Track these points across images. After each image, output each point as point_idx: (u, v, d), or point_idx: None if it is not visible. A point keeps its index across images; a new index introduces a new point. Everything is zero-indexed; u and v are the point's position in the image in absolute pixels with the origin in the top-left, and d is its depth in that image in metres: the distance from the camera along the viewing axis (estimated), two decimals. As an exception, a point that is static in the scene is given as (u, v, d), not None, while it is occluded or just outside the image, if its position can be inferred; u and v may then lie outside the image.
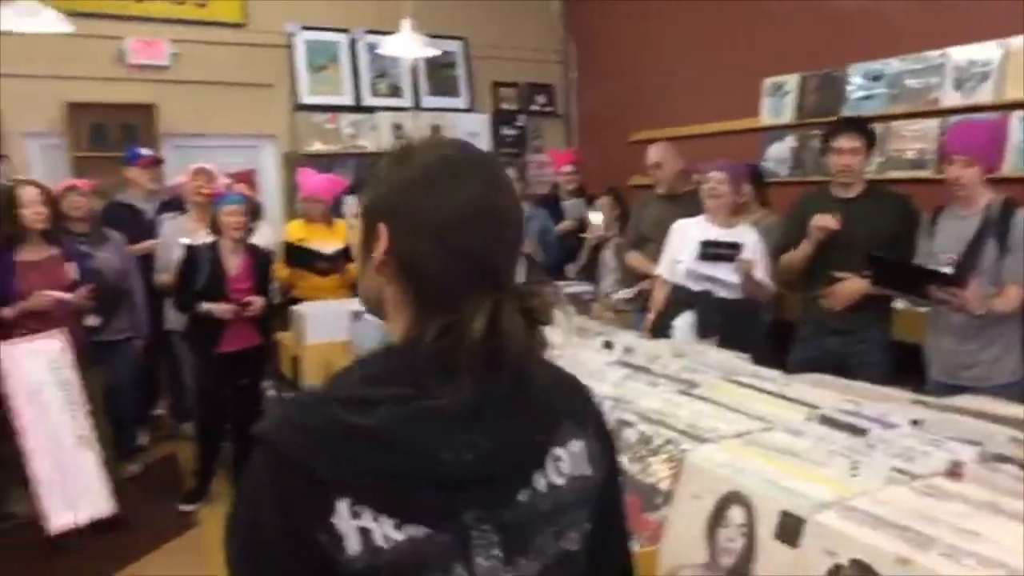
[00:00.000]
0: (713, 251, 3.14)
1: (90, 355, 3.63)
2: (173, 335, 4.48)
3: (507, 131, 7.08)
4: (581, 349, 2.41)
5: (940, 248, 2.85)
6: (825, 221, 3.07)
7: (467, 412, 0.79)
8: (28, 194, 3.42)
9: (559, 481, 0.87)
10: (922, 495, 1.27)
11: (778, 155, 5.10)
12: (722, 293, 3.16)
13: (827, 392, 1.83)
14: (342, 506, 0.76)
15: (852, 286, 3.05)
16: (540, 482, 0.85)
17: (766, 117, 5.19)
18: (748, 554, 1.33)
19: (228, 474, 4.32)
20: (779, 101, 5.09)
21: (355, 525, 0.76)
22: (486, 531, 0.81)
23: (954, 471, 1.33)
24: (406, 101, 6.71)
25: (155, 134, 5.70)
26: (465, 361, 0.79)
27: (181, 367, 4.66)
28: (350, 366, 0.85)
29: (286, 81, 6.27)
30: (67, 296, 3.43)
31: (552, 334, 0.88)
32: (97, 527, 3.77)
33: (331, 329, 3.29)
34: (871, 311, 3.12)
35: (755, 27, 5.23)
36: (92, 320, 3.70)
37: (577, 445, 0.90)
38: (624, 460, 1.76)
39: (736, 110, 5.33)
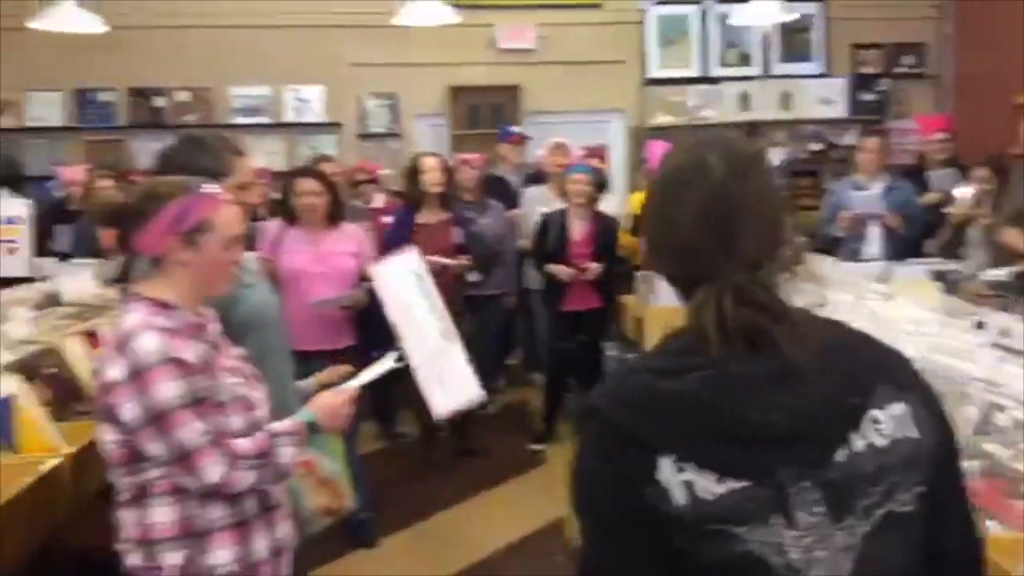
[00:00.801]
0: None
1: (460, 307, 4.21)
2: (532, 293, 4.97)
3: (865, 96, 6.57)
4: (946, 328, 2.26)
5: None
6: None
7: (772, 377, 0.86)
8: (429, 162, 4.05)
9: (880, 443, 0.89)
10: None
11: None
12: None
13: None
14: (665, 463, 0.85)
15: None
16: (858, 443, 0.88)
17: None
18: None
19: (571, 422, 4.72)
20: None
21: (679, 479, 0.85)
22: (805, 488, 0.86)
23: None
24: (755, 69, 6.57)
25: (520, 112, 6.30)
26: (762, 331, 0.87)
27: (536, 322, 5.15)
28: (661, 340, 0.96)
29: (636, 57, 6.51)
30: (450, 262, 3.98)
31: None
32: (462, 452, 4.42)
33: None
34: None
35: None
36: (473, 277, 4.27)
37: (898, 408, 0.91)
38: (991, 443, 1.66)
39: None
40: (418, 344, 2.11)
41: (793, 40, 6.56)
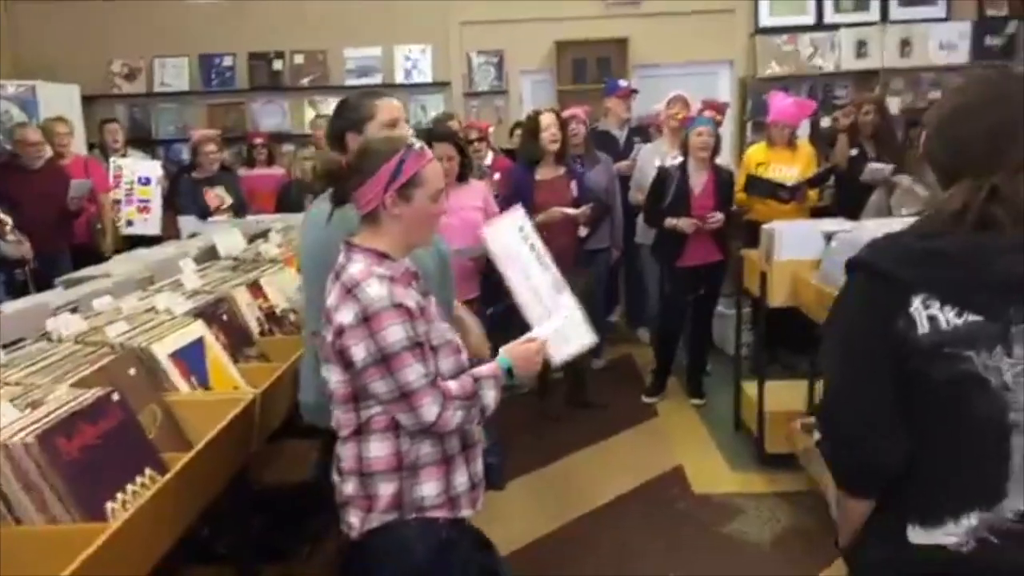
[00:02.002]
0: None
1: (581, 259, 4.29)
2: (641, 248, 5.00)
3: (992, 40, 6.24)
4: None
5: None
6: None
7: (1014, 246, 1.14)
8: (547, 119, 4.12)
9: None
10: None
11: None
12: None
13: None
14: (916, 300, 1.17)
15: None
16: None
17: None
18: None
19: (680, 377, 4.78)
20: None
21: (926, 314, 1.17)
22: (1022, 329, 1.14)
23: None
24: (872, 15, 6.31)
25: (627, 65, 6.26)
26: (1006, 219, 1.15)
27: (643, 277, 5.19)
28: (919, 219, 1.26)
29: (748, 5, 6.34)
30: (574, 211, 4.07)
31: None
32: (578, 404, 4.54)
33: (802, 247, 3.40)
34: None
35: None
36: (583, 231, 4.33)
37: None
38: None
39: None
40: (532, 298, 2.19)
41: (914, -18, 6.27)
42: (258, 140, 5.95)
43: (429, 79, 6.53)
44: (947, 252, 1.18)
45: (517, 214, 2.37)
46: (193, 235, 4.15)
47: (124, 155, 5.59)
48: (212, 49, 6.45)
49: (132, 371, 2.01)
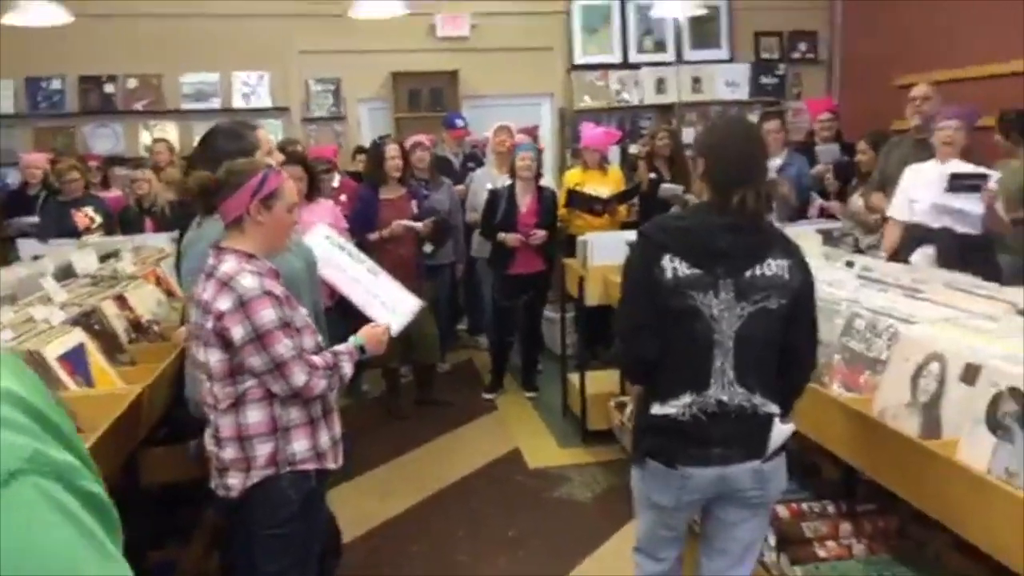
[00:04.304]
0: (962, 182, 3.40)
1: (422, 272, 4.71)
2: (477, 261, 5.51)
3: (767, 80, 7.34)
4: (823, 270, 2.91)
5: None
6: None
7: (730, 227, 1.83)
8: (391, 150, 4.55)
9: (768, 273, 1.86)
10: (1079, 353, 1.71)
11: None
12: (962, 228, 3.42)
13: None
14: (666, 256, 1.83)
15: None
16: (759, 269, 1.85)
17: (1048, 56, 5.06)
18: (939, 393, 1.85)
19: (516, 375, 5.31)
20: (1061, 39, 4.94)
21: (671, 266, 1.83)
22: (728, 283, 1.83)
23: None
24: (669, 56, 7.23)
25: (458, 96, 6.79)
26: (736, 211, 1.83)
27: (480, 288, 5.70)
28: (686, 209, 2.04)
29: (563, 44, 7.08)
30: (417, 225, 4.51)
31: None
32: (422, 404, 4.95)
33: (611, 254, 4.01)
34: None
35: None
36: (427, 247, 4.77)
37: (783, 262, 1.88)
38: (852, 341, 2.30)
39: (1014, 50, 5.23)
40: (356, 288, 2.57)
41: (702, 29, 7.24)
42: (92, 163, 5.92)
43: (268, 104, 6.74)
44: (688, 228, 1.90)
45: (319, 227, 2.74)
46: (36, 257, 4.18)
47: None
48: (39, 72, 6.32)
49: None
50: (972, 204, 3.42)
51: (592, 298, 4.18)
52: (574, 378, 4.53)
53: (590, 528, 3.40)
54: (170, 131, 6.47)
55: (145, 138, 6.45)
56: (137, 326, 3.13)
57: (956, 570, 2.38)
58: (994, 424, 1.67)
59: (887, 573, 2.40)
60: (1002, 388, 1.67)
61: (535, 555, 3.22)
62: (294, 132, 6.62)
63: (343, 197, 5.18)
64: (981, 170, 3.46)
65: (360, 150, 5.94)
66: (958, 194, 3.42)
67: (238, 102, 6.65)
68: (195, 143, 2.95)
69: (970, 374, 1.78)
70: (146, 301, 3.30)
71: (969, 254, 3.39)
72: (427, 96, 6.89)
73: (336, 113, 6.89)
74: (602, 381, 4.37)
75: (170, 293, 3.55)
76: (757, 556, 2.14)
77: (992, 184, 3.36)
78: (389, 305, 2.50)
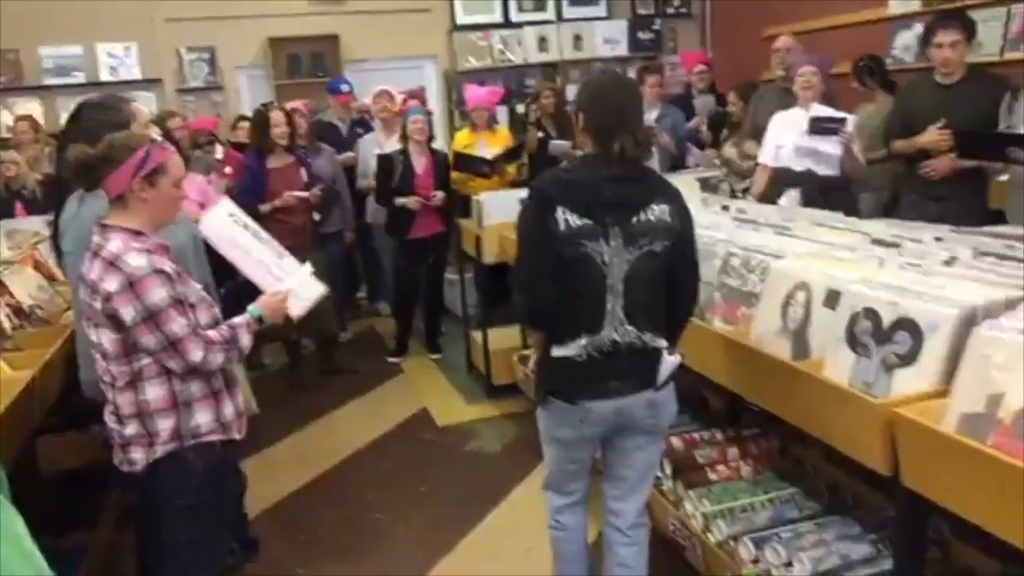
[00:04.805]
0: (821, 125, 3.65)
1: (314, 241, 4.66)
2: (373, 228, 5.49)
3: (644, 36, 7.53)
4: (701, 214, 3.09)
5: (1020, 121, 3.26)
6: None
7: (613, 177, 1.95)
8: (276, 116, 4.44)
9: (652, 218, 2.00)
10: (921, 274, 1.93)
11: (905, 44, 5.36)
12: (823, 171, 3.69)
13: (886, 226, 2.45)
14: (559, 209, 1.95)
15: (945, 162, 3.51)
16: (643, 216, 1.99)
17: (894, 6, 5.43)
18: (806, 318, 2.04)
19: (420, 339, 5.36)
20: (907, -10, 5.31)
21: (563, 217, 1.94)
22: (616, 231, 1.96)
23: (949, 262, 1.97)
24: (549, 15, 7.31)
25: (339, 61, 6.66)
26: (616, 160, 1.94)
27: (378, 255, 5.68)
28: (574, 162, 2.06)
29: (444, 5, 7.03)
30: (307, 194, 4.45)
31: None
32: (326, 373, 4.94)
33: (504, 212, 4.10)
34: (968, 179, 3.57)
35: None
36: (315, 216, 4.71)
37: (665, 207, 2.02)
38: (729, 278, 2.48)
39: (866, 1, 5.58)
40: (260, 269, 2.55)
41: (580, -15, 7.35)
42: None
43: (138, 76, 6.43)
44: (576, 181, 2.01)
45: (223, 203, 2.69)
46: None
47: None
48: None
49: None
50: (831, 146, 3.68)
51: (489, 256, 4.27)
52: (477, 336, 4.62)
53: (500, 478, 3.53)
54: (33, 108, 6.08)
55: (6, 118, 6.04)
56: (19, 312, 3.01)
57: (828, 479, 2.64)
58: (853, 342, 1.87)
59: (770, 489, 2.63)
60: (858, 309, 1.86)
61: (448, 507, 3.33)
62: (170, 103, 6.34)
63: (228, 169, 5.05)
64: (839, 114, 3.73)
65: (242, 119, 5.76)
66: (818, 137, 3.67)
67: (105, 75, 6.31)
68: (61, 120, 2.83)
69: (831, 299, 1.97)
70: (26, 286, 3.16)
71: (830, 193, 3.66)
72: (308, 61, 6.73)
73: (213, 83, 6.64)
74: (504, 337, 4.48)
75: (51, 278, 3.41)
76: (652, 483, 2.32)
77: (849, 127, 3.62)
78: (296, 290, 2.48)
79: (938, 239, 2.22)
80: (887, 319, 1.79)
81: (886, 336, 1.78)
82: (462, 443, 3.93)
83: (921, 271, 1.95)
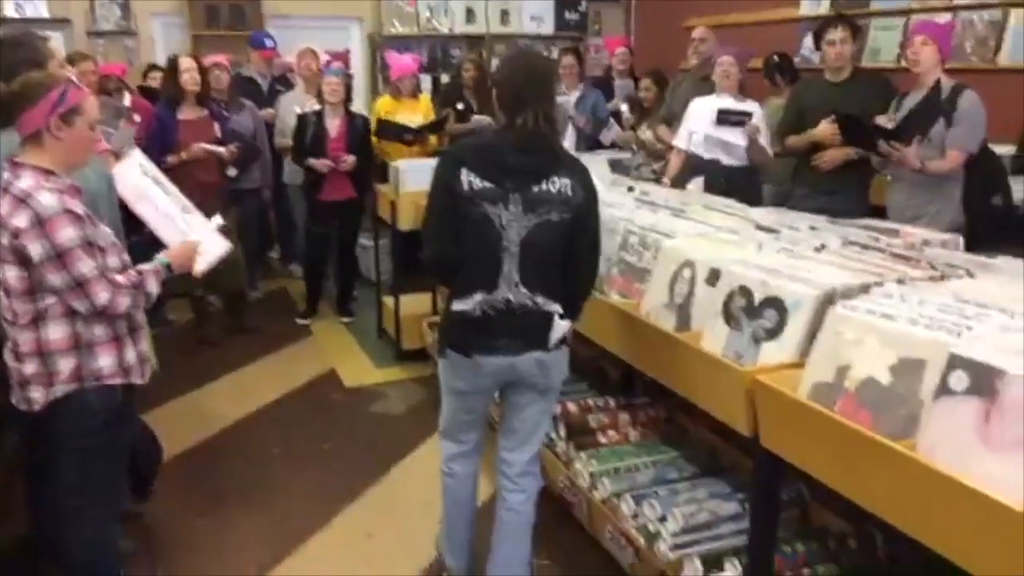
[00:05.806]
0: (727, 117, 3.86)
1: (226, 198, 4.60)
2: (289, 188, 5.45)
3: (570, 16, 7.65)
4: (607, 193, 3.24)
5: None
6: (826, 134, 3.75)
7: (518, 147, 2.10)
8: (186, 62, 4.36)
9: (553, 189, 2.13)
10: (792, 258, 2.12)
11: (812, 44, 5.64)
12: (728, 161, 3.90)
13: (771, 215, 2.65)
14: (463, 171, 2.11)
15: (837, 153, 3.77)
16: (544, 186, 2.13)
17: (806, 7, 5.72)
18: (690, 294, 2.21)
19: (331, 302, 5.38)
20: (817, -7, 5.60)
21: (467, 179, 2.10)
22: (516, 197, 2.10)
23: (819, 248, 2.17)
24: (479, -14, 7.33)
25: (261, 15, 6.53)
26: (522, 132, 2.09)
27: (292, 216, 5.65)
28: (489, 133, 2.28)
29: (373, -33, 6.97)
30: (219, 149, 4.39)
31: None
32: (233, 331, 4.91)
33: (421, 180, 4.15)
34: (853, 176, 3.84)
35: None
36: (231, 171, 4.66)
37: (567, 180, 2.16)
38: (627, 255, 2.64)
39: (780, 1, 5.85)
40: (166, 223, 2.55)
41: (511, -39, 7.39)
42: None
43: (44, 15, 6.15)
44: (483, 147, 2.22)
45: (134, 154, 2.67)
46: None
47: None
48: None
49: None
50: (737, 138, 3.89)
51: (404, 223, 4.32)
52: (389, 301, 4.69)
53: (404, 438, 3.63)
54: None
55: None
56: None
57: (708, 446, 2.86)
58: (728, 316, 2.05)
59: (654, 452, 2.83)
60: (735, 287, 2.04)
61: (350, 465, 3.41)
62: (80, 46, 6.09)
63: (136, 117, 4.91)
64: (745, 107, 3.94)
65: (153, 67, 5.60)
66: (725, 128, 3.88)
67: (10, 11, 6.01)
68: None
69: (713, 277, 2.15)
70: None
71: (735, 182, 3.88)
72: (227, 13, 6.57)
73: (126, 28, 6.42)
74: (416, 303, 4.56)
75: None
76: (542, 437, 2.48)
77: (755, 120, 3.84)
78: (201, 247, 2.49)
79: (813, 228, 2.42)
80: (758, 296, 1.97)
81: (757, 312, 1.96)
82: (368, 403, 4.01)
83: (793, 255, 2.15)
